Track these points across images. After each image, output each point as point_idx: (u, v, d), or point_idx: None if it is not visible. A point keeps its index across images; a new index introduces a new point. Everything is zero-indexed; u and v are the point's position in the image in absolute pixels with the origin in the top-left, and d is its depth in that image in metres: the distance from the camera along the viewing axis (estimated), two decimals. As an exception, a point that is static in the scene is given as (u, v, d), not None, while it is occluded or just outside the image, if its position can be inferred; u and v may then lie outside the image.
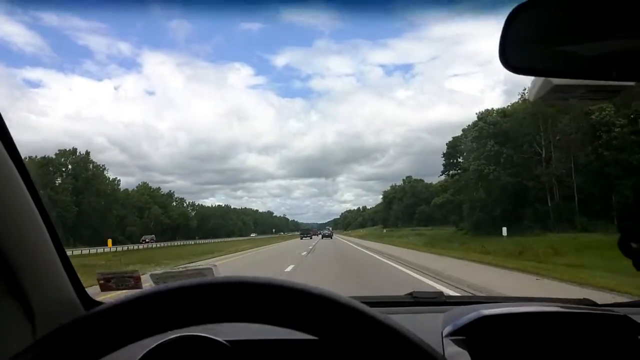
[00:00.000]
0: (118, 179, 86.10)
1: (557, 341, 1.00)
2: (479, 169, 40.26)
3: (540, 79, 0.59)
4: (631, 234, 0.49)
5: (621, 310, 1.14)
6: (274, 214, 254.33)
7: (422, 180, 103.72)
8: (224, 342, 0.88)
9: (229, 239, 75.43)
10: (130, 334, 0.44)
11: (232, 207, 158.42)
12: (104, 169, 79.75)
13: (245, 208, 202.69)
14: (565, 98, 0.61)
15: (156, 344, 0.84)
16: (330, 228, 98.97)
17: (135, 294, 0.44)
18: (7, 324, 0.67)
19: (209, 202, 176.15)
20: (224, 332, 0.93)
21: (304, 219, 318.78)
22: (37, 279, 0.74)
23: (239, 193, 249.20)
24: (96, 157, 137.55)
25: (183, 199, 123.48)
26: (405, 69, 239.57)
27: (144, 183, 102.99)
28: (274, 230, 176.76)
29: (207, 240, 72.02)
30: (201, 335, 0.86)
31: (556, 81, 0.57)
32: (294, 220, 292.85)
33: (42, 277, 0.76)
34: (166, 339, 0.84)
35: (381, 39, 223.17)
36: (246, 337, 0.99)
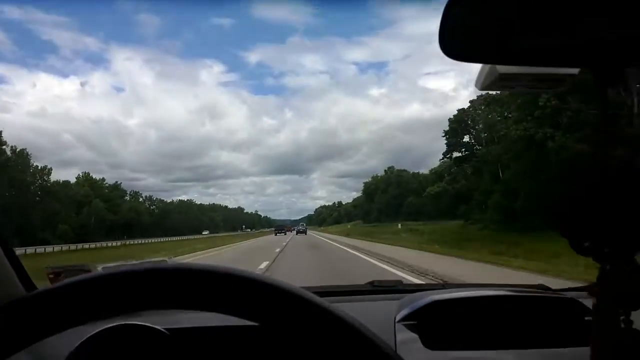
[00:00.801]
0: (49, 167, 71.11)
1: (507, 324, 1.03)
2: (526, 135, 27.74)
3: (486, 68, 0.59)
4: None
5: (571, 294, 1.19)
6: (245, 210, 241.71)
7: (405, 171, 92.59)
8: (163, 330, 0.85)
9: (177, 238, 62.07)
10: (66, 319, 0.42)
11: (196, 202, 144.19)
12: (27, 155, 65.08)
13: (214, 204, 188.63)
14: (512, 86, 0.61)
15: (93, 332, 0.81)
16: (304, 224, 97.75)
17: (72, 279, 0.43)
18: None
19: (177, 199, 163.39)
20: (161, 320, 0.91)
21: (277, 215, 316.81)
22: None
23: (212, 190, 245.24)
24: (63, 154, 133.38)
25: (138, 192, 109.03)
26: (379, 66, 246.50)
27: (85, 173, 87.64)
28: (243, 226, 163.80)
29: (154, 240, 58.51)
30: (139, 324, 0.84)
31: (502, 70, 0.56)
32: (266, 216, 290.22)
33: None
34: (103, 327, 0.82)
35: (356, 36, 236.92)
36: (185, 324, 1.00)
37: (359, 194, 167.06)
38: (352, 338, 0.42)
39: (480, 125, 44.71)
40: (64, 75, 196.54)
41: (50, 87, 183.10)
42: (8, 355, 0.41)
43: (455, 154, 51.10)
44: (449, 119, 51.00)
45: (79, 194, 77.02)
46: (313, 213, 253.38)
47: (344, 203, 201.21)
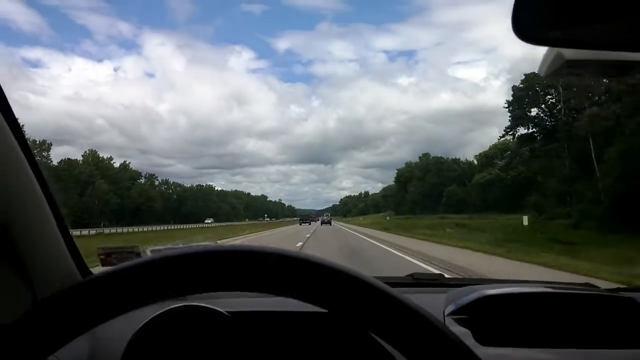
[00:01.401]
0: (48, 142, 64.44)
1: (560, 322, 1.00)
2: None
3: (552, 54, 0.57)
4: None
5: (628, 294, 1.13)
6: (269, 199, 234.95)
7: (442, 158, 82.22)
8: (225, 312, 0.88)
9: (166, 227, 53.78)
10: (129, 300, 0.43)
11: (216, 188, 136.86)
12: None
13: (237, 190, 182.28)
14: (578, 73, 0.60)
15: (156, 313, 0.84)
16: (329, 214, 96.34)
17: (134, 262, 0.44)
18: (9, 292, 0.69)
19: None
20: (223, 303, 0.93)
21: (302, 205, 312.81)
22: (40, 251, 0.75)
23: (238, 178, 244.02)
24: (96, 139, 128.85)
25: (154, 175, 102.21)
26: (409, 55, 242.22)
27: (92, 151, 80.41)
28: (265, 215, 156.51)
29: (149, 228, 50.58)
30: (201, 305, 0.87)
31: (568, 55, 0.55)
32: (290, 205, 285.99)
33: (44, 249, 0.77)
34: (166, 308, 0.85)
35: (385, 23, 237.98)
36: (245, 308, 1.00)
37: (385, 185, 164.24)
38: (423, 329, 0.41)
39: (560, 90, 34.39)
40: (98, 59, 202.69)
41: (84, 72, 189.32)
42: (73, 338, 0.42)
43: (521, 131, 40.94)
44: (513, 87, 40.96)
45: (83, 173, 70.22)
46: (338, 203, 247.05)
47: (370, 193, 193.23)
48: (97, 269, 0.92)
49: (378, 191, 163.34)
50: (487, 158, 60.83)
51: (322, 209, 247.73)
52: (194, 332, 0.84)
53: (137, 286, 0.43)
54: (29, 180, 0.73)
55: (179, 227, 54.66)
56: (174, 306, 0.85)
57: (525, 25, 0.47)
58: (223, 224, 76.70)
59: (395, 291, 0.43)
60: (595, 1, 0.44)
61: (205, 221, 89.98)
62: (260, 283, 0.43)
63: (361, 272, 0.44)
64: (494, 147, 59.88)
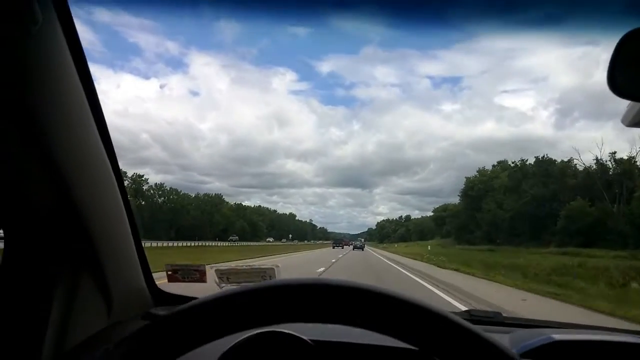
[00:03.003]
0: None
1: None
2: None
3: (637, 107, 0.57)
4: None
5: None
6: (297, 218, 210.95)
7: (551, 160, 54.84)
8: (309, 340, 0.89)
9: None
10: (220, 329, 0.45)
11: (227, 200, 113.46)
12: None
13: (260, 206, 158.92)
14: None
15: (241, 338, 0.85)
16: (362, 240, 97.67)
17: (223, 292, 0.46)
18: (87, 304, 0.72)
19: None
20: (308, 331, 0.93)
21: (337, 228, 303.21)
22: (116, 266, 0.79)
23: (275, 198, 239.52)
24: (140, 153, 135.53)
25: (142, 176, 79.74)
26: (454, 81, 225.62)
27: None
28: (290, 236, 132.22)
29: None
30: (286, 332, 0.87)
31: None
32: (322, 227, 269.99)
33: (120, 265, 0.81)
34: (251, 333, 0.86)
35: (431, 49, 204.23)
36: (329, 338, 0.99)
37: (423, 213, 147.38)
38: None
39: None
40: (146, 77, 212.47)
41: (132, 88, 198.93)
42: None
43: None
44: None
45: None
46: (375, 227, 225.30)
47: (412, 217, 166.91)
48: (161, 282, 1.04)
49: (418, 216, 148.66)
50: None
51: (357, 233, 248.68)
52: (278, 358, 0.85)
53: (229, 315, 0.44)
54: (116, 198, 0.77)
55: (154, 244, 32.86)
56: (260, 331, 0.85)
57: (622, 81, 0.48)
58: (226, 243, 62.25)
59: (482, 331, 0.44)
60: None
61: (230, 238, 77.21)
62: (350, 317, 0.44)
63: (447, 310, 0.45)
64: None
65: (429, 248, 47.57)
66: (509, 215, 51.95)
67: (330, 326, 0.44)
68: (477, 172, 69.66)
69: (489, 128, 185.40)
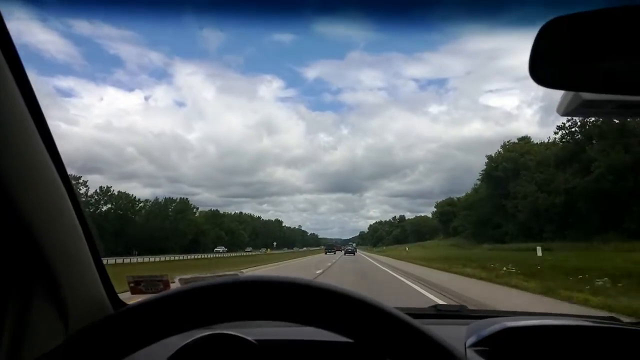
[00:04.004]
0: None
1: (581, 355, 0.99)
2: None
3: (569, 94, 0.58)
4: None
5: None
6: (284, 224, 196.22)
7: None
8: (253, 340, 0.89)
9: None
10: (159, 331, 0.45)
11: (195, 207, 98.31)
12: None
13: (242, 213, 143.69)
14: (595, 113, 0.60)
15: (185, 342, 0.86)
16: (354, 245, 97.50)
17: (163, 293, 0.45)
18: (42, 320, 0.70)
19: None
20: (251, 331, 0.94)
21: (329, 234, 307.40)
22: (72, 278, 0.77)
23: (265, 207, 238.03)
24: (126, 167, 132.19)
25: (86, 181, 64.59)
26: (440, 83, 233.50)
27: None
28: (275, 244, 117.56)
29: None
30: (230, 334, 0.88)
31: (586, 96, 0.56)
32: (313, 234, 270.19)
33: (76, 277, 0.79)
34: (195, 337, 0.87)
35: (416, 52, 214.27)
36: (273, 337, 1.01)
37: (414, 215, 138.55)
38: None
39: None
40: (129, 89, 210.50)
41: (116, 101, 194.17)
42: None
43: None
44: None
45: None
46: (367, 230, 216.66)
47: (407, 218, 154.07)
48: (125, 295, 1.03)
49: (411, 217, 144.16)
50: None
51: (349, 238, 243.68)
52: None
53: (169, 316, 0.44)
54: (67, 206, 0.74)
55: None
56: (203, 334, 0.86)
57: (544, 71, 0.48)
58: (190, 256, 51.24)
59: (419, 323, 0.45)
60: (611, 43, 0.44)
61: (216, 250, 67.51)
62: (288, 313, 0.45)
63: (385, 304, 0.46)
64: None
65: (433, 252, 33.86)
66: (562, 200, 37.88)
67: (275, 325, 0.45)
68: (502, 147, 55.73)
69: (475, 128, 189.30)
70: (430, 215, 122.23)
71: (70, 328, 0.74)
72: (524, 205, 43.07)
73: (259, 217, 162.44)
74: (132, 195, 74.71)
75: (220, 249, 73.64)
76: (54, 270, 0.71)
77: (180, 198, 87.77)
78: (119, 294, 0.98)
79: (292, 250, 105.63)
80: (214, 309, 0.45)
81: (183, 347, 0.84)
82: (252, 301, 0.45)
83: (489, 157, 55.66)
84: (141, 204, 76.54)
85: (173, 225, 76.33)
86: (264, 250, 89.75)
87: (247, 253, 72.57)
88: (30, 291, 0.69)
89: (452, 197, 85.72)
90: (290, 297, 0.45)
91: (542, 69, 0.48)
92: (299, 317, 0.45)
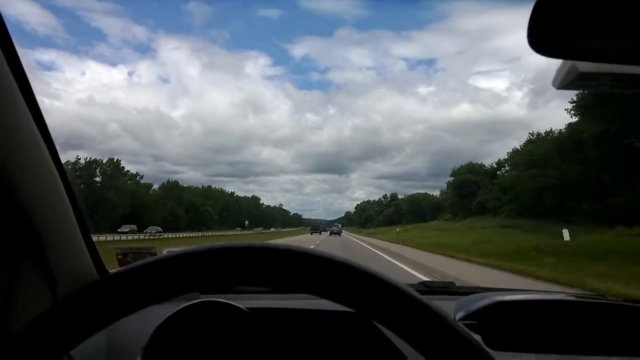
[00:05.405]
0: None
1: (570, 329, 1.00)
2: None
3: (566, 67, 0.56)
4: None
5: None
6: (262, 202, 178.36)
7: None
8: (244, 308, 0.88)
9: None
10: (145, 297, 0.44)
11: (146, 182, 78.07)
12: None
13: (210, 187, 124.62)
14: (592, 85, 0.59)
15: (175, 309, 0.85)
16: (339, 225, 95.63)
17: (150, 259, 0.45)
18: (30, 288, 0.71)
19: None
20: (242, 301, 0.93)
21: (314, 215, 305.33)
22: (60, 249, 0.77)
23: (251, 187, 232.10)
24: (109, 144, 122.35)
25: None
26: (429, 63, 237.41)
27: None
28: (247, 223, 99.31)
29: None
30: (220, 301, 0.87)
31: (582, 68, 0.54)
32: (296, 214, 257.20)
33: (65, 248, 0.79)
34: (184, 304, 0.86)
35: (405, 30, 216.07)
36: (265, 305, 1.01)
37: (400, 197, 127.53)
38: (445, 333, 0.43)
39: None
40: (112, 63, 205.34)
41: (98, 75, 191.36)
42: (90, 335, 0.43)
43: None
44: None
45: None
46: (354, 211, 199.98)
47: (399, 197, 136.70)
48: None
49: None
50: None
51: (334, 219, 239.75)
52: (212, 328, 0.84)
53: (155, 282, 0.44)
54: (53, 177, 0.74)
55: None
56: (192, 302, 0.85)
57: (541, 38, 0.47)
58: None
59: (417, 293, 0.45)
60: (611, 13, 0.44)
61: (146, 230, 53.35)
62: (281, 280, 0.44)
63: (385, 274, 0.46)
64: None
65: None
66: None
67: (267, 297, 0.43)
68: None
69: (464, 110, 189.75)
70: (430, 193, 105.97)
71: (58, 296, 0.75)
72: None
73: (232, 193, 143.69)
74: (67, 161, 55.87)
75: (153, 229, 55.80)
76: (43, 241, 0.71)
77: (109, 158, 68.32)
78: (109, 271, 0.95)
79: (268, 231, 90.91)
80: (201, 275, 0.44)
81: (171, 316, 0.83)
82: (241, 268, 0.44)
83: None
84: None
85: (100, 195, 57.18)
86: (238, 230, 71.62)
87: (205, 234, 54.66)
88: (19, 261, 0.70)
89: (472, 162, 67.31)
90: (283, 264, 0.44)
91: (540, 37, 0.47)
92: (294, 286, 0.44)
